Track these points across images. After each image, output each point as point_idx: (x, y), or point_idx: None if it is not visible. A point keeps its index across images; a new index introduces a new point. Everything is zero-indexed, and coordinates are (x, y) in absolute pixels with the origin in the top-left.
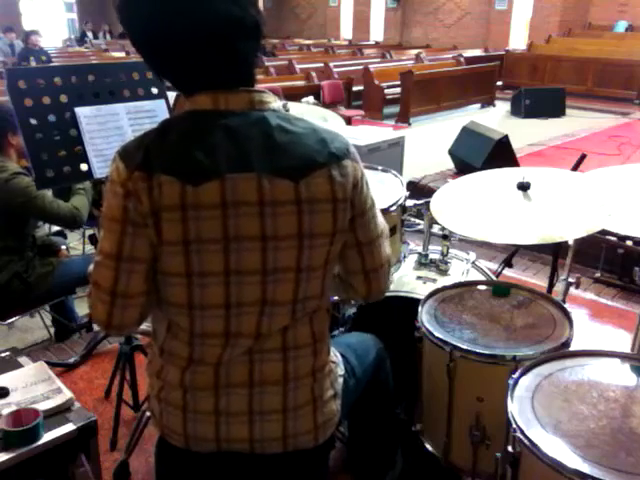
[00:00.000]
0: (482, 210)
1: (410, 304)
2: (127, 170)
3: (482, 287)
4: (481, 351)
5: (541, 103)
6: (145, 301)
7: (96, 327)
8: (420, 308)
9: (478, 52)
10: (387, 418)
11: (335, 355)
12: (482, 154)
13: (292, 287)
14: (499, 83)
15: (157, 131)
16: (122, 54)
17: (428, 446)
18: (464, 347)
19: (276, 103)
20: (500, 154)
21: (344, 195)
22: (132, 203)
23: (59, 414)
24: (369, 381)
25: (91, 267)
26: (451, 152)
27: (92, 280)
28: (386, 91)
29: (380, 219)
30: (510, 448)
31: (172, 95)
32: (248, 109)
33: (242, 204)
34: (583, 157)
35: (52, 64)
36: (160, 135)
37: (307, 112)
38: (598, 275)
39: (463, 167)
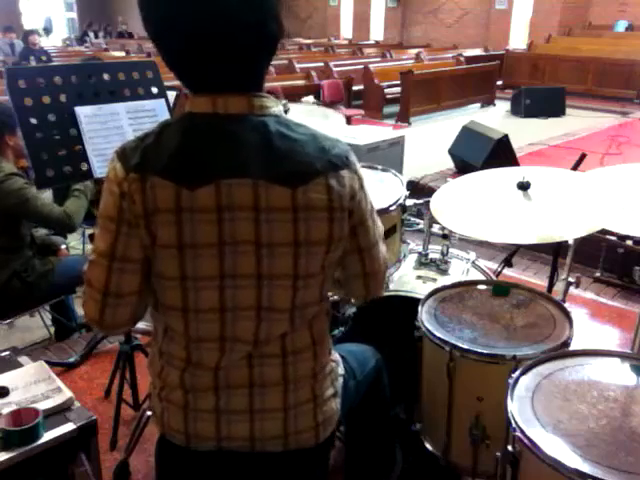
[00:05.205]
0: (482, 210)
1: (410, 304)
2: (124, 170)
3: (482, 287)
4: (481, 350)
5: (541, 103)
6: (137, 300)
7: None
8: (420, 308)
9: (478, 52)
10: (384, 425)
11: (335, 355)
12: (482, 154)
13: (290, 294)
14: (499, 83)
15: (155, 133)
16: (122, 54)
17: (428, 446)
18: (464, 347)
19: (277, 108)
20: (500, 153)
21: (341, 204)
22: (127, 203)
23: (59, 413)
24: (367, 389)
25: (86, 265)
26: (451, 152)
27: (85, 278)
28: (386, 90)
29: (378, 222)
30: (510, 447)
31: (172, 95)
32: (248, 113)
33: (237, 209)
34: (583, 157)
35: (52, 64)
36: (158, 137)
37: (308, 111)
38: (598, 275)
39: (463, 166)
